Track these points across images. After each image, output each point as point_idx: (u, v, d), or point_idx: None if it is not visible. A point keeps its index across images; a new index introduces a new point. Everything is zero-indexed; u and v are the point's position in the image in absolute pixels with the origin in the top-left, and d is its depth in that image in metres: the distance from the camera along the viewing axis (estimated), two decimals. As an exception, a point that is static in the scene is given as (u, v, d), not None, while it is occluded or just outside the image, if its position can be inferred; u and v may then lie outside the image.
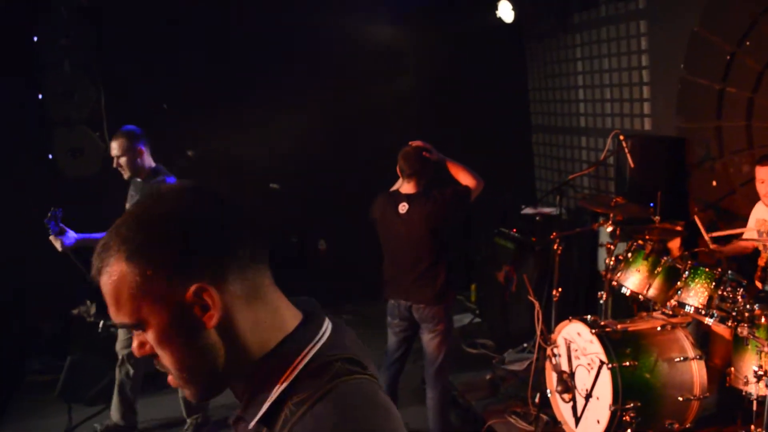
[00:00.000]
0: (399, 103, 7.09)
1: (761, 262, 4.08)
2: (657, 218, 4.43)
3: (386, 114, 7.03)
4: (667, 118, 5.64)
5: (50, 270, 5.47)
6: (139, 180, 4.25)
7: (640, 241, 3.97)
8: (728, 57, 4.92)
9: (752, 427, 3.55)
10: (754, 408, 3.56)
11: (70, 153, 5.13)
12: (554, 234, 4.23)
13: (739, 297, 3.47)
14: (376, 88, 6.96)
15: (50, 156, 5.18)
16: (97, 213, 5.78)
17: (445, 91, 7.15)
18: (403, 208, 3.96)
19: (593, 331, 3.70)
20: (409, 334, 4.13)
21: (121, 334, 4.26)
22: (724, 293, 3.51)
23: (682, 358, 3.71)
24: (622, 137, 4.36)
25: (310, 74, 6.62)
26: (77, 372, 4.64)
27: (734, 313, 3.47)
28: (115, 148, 4.13)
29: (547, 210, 5.74)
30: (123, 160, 4.12)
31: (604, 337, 3.68)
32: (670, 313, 3.95)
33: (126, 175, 4.20)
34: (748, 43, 4.77)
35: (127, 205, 4.29)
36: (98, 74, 5.32)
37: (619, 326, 3.83)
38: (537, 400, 4.12)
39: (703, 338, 4.34)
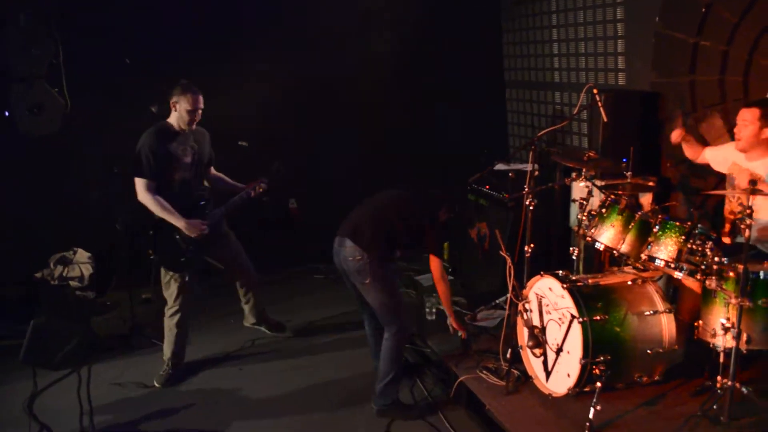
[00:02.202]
0: (374, 61, 6.95)
1: (727, 214, 4.08)
2: (629, 173, 4.41)
3: (361, 73, 6.90)
4: (642, 73, 5.58)
5: (11, 234, 5.35)
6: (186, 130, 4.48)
7: (614, 196, 3.93)
8: (704, 9, 4.85)
9: (719, 378, 3.59)
10: (721, 360, 3.60)
11: (28, 110, 4.94)
12: (526, 189, 4.17)
13: (707, 250, 3.47)
14: (350, 47, 6.82)
15: (6, 113, 4.99)
16: (61, 171, 5.72)
17: (420, 48, 7.03)
18: None
19: (565, 285, 3.69)
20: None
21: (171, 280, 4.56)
22: (693, 247, 3.51)
23: (651, 312, 3.72)
24: (596, 91, 4.28)
25: (282, 32, 6.46)
26: (41, 336, 4.52)
27: (703, 267, 3.47)
28: (202, 101, 4.42)
29: (520, 166, 5.68)
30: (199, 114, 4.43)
31: (575, 292, 3.67)
32: (641, 267, 3.96)
33: (193, 126, 4.47)
34: (724, -7, 4.70)
35: (187, 153, 4.50)
36: (56, 28, 5.11)
37: (590, 281, 3.83)
38: (508, 355, 4.12)
39: (675, 292, 4.37)
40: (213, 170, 4.84)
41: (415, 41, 6.98)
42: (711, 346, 3.67)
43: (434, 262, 4.21)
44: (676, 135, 4.49)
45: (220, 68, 5.99)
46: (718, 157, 4.38)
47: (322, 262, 6.42)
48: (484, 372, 4.19)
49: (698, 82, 5.03)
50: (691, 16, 4.95)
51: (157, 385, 4.59)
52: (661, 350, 3.71)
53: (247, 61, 6.26)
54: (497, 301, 4.98)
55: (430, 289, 5.59)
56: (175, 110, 4.39)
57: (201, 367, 4.86)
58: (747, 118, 3.96)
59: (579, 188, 4.58)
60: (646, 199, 4.86)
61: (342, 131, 6.81)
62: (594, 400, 3.56)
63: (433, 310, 5.07)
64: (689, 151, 4.57)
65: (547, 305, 3.89)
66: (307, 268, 6.71)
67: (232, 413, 4.28)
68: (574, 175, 4.34)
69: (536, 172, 5.50)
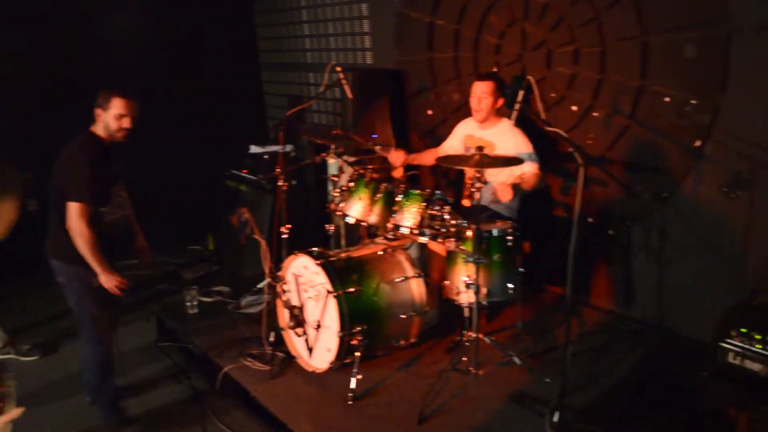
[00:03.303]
0: (117, 45, 6.43)
1: (467, 180, 4.37)
2: (379, 147, 4.54)
3: (103, 57, 6.35)
4: (387, 52, 5.79)
5: None
6: None
7: (360, 170, 4.01)
8: (436, -11, 5.12)
9: (464, 332, 3.84)
10: (467, 315, 3.86)
11: None
12: (277, 170, 4.12)
13: (446, 215, 3.66)
14: (91, 29, 6.24)
15: None
16: None
17: (168, 32, 6.65)
18: None
19: (318, 262, 3.70)
20: None
21: None
22: (434, 212, 3.68)
23: (402, 278, 3.87)
24: (339, 69, 4.35)
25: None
26: None
27: (443, 230, 3.66)
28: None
29: (275, 148, 5.63)
30: None
31: (328, 267, 3.69)
32: (393, 237, 4.10)
33: None
34: (452, -24, 5.00)
35: None
36: None
37: (342, 255, 3.88)
38: (272, 339, 4.06)
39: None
40: None
41: (167, 25, 6.59)
42: (457, 303, 3.92)
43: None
44: (396, 159, 4.63)
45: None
46: (454, 142, 4.66)
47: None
48: (249, 359, 4.09)
49: (436, 59, 5.33)
50: (425, -4, 5.21)
51: None
52: (413, 313, 3.87)
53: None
54: (259, 286, 4.89)
55: (190, 282, 5.38)
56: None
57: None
58: (485, 91, 4.23)
59: (333, 166, 4.64)
60: (398, 172, 5.05)
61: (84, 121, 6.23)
62: (355, 369, 3.64)
63: (194, 303, 4.85)
64: (427, 160, 4.80)
65: (304, 284, 3.88)
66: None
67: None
68: (323, 153, 4.37)
69: (293, 153, 5.53)
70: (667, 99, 3.92)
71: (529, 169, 4.15)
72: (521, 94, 3.42)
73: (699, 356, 3.46)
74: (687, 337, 4.12)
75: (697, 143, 3.84)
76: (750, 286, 3.71)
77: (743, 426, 3.01)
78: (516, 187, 4.04)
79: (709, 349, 3.41)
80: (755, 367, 3.19)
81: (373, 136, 4.59)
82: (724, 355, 3.29)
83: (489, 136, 4.37)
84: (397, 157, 4.61)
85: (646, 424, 3.30)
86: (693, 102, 3.81)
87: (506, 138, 4.24)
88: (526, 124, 4.37)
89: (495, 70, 4.78)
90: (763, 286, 3.61)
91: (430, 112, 5.49)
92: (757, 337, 3.18)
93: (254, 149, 5.52)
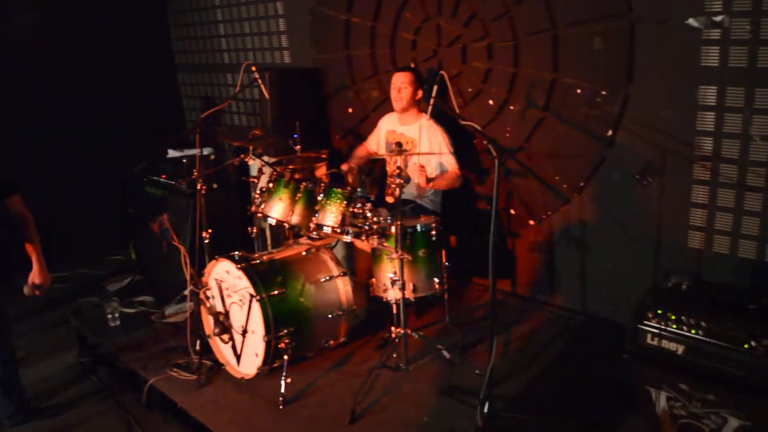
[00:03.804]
0: (19, 47, 6.12)
1: (389, 177, 4.37)
2: (299, 147, 4.48)
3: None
4: (304, 50, 5.73)
5: None
6: None
7: (279, 170, 3.95)
8: (350, -13, 5.10)
9: (392, 328, 3.84)
10: (395, 311, 3.86)
11: None
12: (195, 173, 4.01)
13: (368, 212, 3.65)
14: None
15: None
16: None
17: (76, 35, 6.36)
18: None
19: (239, 266, 3.63)
20: None
21: None
22: (355, 210, 3.67)
23: (327, 278, 3.83)
24: (254, 69, 4.27)
25: None
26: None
27: (366, 228, 3.65)
28: None
29: (193, 151, 5.48)
30: None
31: (250, 270, 3.62)
32: (317, 236, 4.06)
33: None
34: (366, -27, 4.99)
35: None
36: None
37: (265, 257, 3.82)
38: (198, 347, 3.96)
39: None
40: None
41: (72, 29, 6.31)
42: (384, 300, 3.92)
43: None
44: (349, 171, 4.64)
45: None
46: (375, 138, 4.67)
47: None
48: (175, 370, 3.97)
49: (353, 57, 5.31)
50: (340, -6, 5.19)
51: None
52: (341, 312, 3.85)
53: None
54: (182, 294, 4.76)
55: (111, 293, 5.20)
56: None
57: None
58: (404, 81, 4.29)
59: (254, 167, 4.56)
60: (321, 171, 5.02)
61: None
62: (284, 373, 3.59)
63: (116, 315, 4.68)
64: (362, 152, 4.81)
65: (227, 289, 3.80)
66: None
67: None
68: (242, 155, 4.28)
69: (212, 156, 5.41)
70: (578, 90, 4.03)
71: (448, 168, 4.21)
72: (435, 88, 3.45)
73: (621, 339, 3.57)
74: (609, 320, 4.25)
75: (609, 133, 3.96)
76: (664, 269, 3.86)
77: (663, 405, 3.13)
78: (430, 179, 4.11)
79: (628, 331, 3.52)
80: (672, 346, 3.32)
81: (294, 136, 4.52)
82: (643, 336, 3.41)
83: (410, 132, 4.40)
84: (348, 170, 4.59)
85: (572, 408, 3.38)
86: (603, 93, 3.93)
87: (427, 135, 4.28)
88: (446, 118, 4.41)
89: (412, 66, 4.80)
90: (676, 267, 3.76)
91: (350, 110, 5.47)
92: (672, 317, 3.30)
93: (172, 153, 5.36)
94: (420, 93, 4.35)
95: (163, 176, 5.33)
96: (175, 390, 3.83)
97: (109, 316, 4.68)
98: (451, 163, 4.26)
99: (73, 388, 4.27)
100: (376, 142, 4.72)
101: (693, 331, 3.22)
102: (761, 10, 3.24)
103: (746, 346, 3.06)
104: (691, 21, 3.47)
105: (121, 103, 6.52)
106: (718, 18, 3.38)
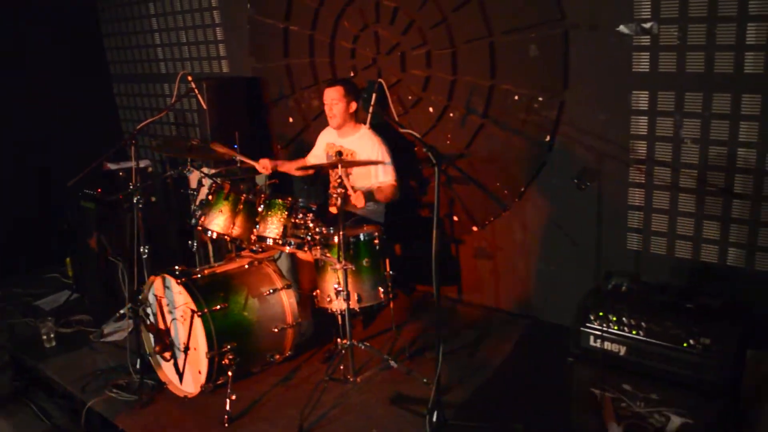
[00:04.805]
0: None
1: (331, 188, 4.34)
2: (239, 158, 4.42)
3: None
4: (243, 59, 5.65)
5: None
6: None
7: (219, 182, 3.87)
8: (287, -5, 5.06)
9: (337, 339, 3.80)
10: (340, 322, 3.83)
11: None
12: (131, 187, 3.90)
13: (309, 222, 3.61)
14: None
15: None
16: None
17: (6, 46, 6.12)
18: None
19: (179, 281, 3.53)
20: None
21: None
22: (297, 221, 3.62)
23: (271, 291, 3.77)
24: (190, 78, 4.18)
25: None
26: None
27: (308, 239, 3.61)
28: None
29: (130, 164, 5.33)
30: None
31: (191, 285, 3.53)
32: (260, 249, 3.99)
33: None
34: (302, -19, 4.95)
35: None
36: None
37: (206, 271, 3.73)
38: (138, 366, 3.84)
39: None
40: None
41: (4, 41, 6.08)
42: (329, 311, 3.88)
43: None
44: (265, 168, 4.55)
45: None
46: (317, 151, 4.63)
47: None
48: (114, 390, 3.84)
49: (293, 65, 5.26)
50: (278, 2, 5.13)
51: None
52: (286, 326, 3.78)
53: None
54: (121, 312, 4.62)
55: (45, 313, 5.02)
56: None
57: None
58: (335, 97, 4.24)
59: (193, 179, 4.46)
60: (263, 182, 4.94)
61: None
62: (228, 390, 3.51)
63: (51, 336, 4.50)
64: (293, 168, 4.74)
65: (168, 305, 3.69)
66: None
67: None
68: (180, 167, 4.18)
69: (149, 168, 5.28)
70: (516, 97, 4.07)
71: (385, 180, 4.20)
72: (374, 97, 3.44)
73: (566, 342, 3.62)
74: (554, 323, 4.30)
75: (547, 138, 4.02)
76: (605, 271, 3.93)
77: (608, 405, 3.17)
78: (369, 194, 4.07)
79: (571, 334, 3.57)
80: (614, 347, 3.38)
81: (234, 146, 4.45)
82: (586, 339, 3.47)
83: (349, 144, 4.37)
84: (264, 166, 4.51)
85: (520, 413, 3.40)
86: (540, 99, 3.98)
87: (366, 146, 4.26)
88: (387, 127, 4.40)
89: (351, 75, 4.78)
90: (616, 269, 3.83)
91: (291, 119, 5.41)
92: (613, 318, 3.37)
93: (110, 166, 5.20)
94: (354, 105, 4.30)
95: (99, 190, 5.16)
96: (116, 411, 3.70)
97: (44, 336, 4.50)
98: (389, 173, 4.24)
99: (6, 416, 4.10)
100: (316, 156, 4.67)
101: (634, 332, 3.29)
102: (688, 16, 3.34)
103: (685, 344, 3.14)
104: (622, 28, 3.56)
105: (55, 115, 6.31)
106: (647, 25, 3.47)
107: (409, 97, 4.57)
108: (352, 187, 3.96)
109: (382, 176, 4.22)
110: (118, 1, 6.65)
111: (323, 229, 3.65)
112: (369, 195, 4.09)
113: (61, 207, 5.70)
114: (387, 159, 4.23)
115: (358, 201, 3.91)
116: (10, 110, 6.08)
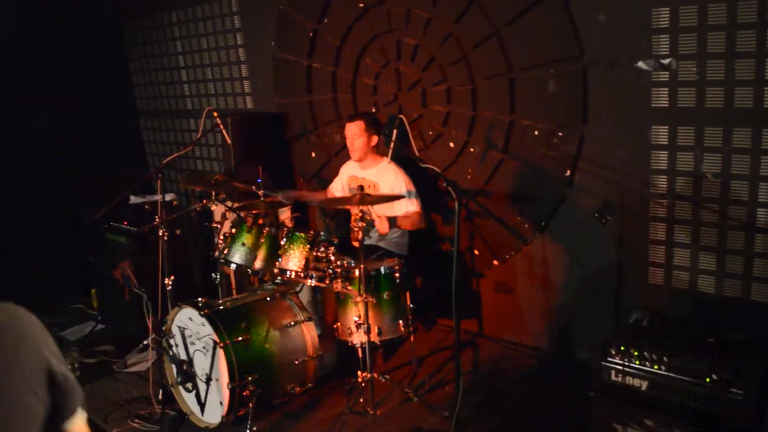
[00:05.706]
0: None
1: (353, 221, 4.39)
2: (261, 192, 4.48)
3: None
4: (266, 95, 5.77)
5: None
6: None
7: (242, 215, 3.94)
8: (311, 34, 5.18)
9: (359, 372, 3.81)
10: (360, 355, 3.84)
11: None
12: (157, 220, 3.97)
13: (331, 255, 3.65)
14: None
15: None
16: None
17: (36, 81, 6.31)
18: None
19: (202, 312, 3.58)
20: None
21: None
22: (318, 254, 3.67)
23: (292, 323, 3.80)
24: (215, 114, 4.28)
25: None
26: None
27: (329, 271, 3.65)
28: None
29: (156, 197, 5.44)
30: None
31: (213, 317, 3.58)
32: (281, 282, 4.03)
33: None
34: (326, 20, 5.07)
35: None
36: None
37: (228, 303, 3.78)
38: (161, 396, 3.88)
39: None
40: None
41: (28, 71, 6.27)
42: (350, 344, 3.90)
43: None
44: (288, 198, 4.71)
45: None
46: (339, 183, 4.71)
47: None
48: (137, 421, 3.87)
49: (315, 101, 5.36)
50: (301, 40, 5.26)
51: None
52: (307, 358, 3.80)
53: None
54: (144, 342, 4.67)
55: (70, 343, 5.09)
56: None
57: None
58: (356, 131, 4.33)
59: (217, 213, 4.54)
60: (286, 215, 5.01)
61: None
62: (249, 422, 3.53)
63: (75, 366, 4.57)
64: (316, 199, 4.85)
65: (191, 336, 3.74)
66: None
67: None
68: (204, 200, 4.26)
69: (174, 202, 5.37)
70: (536, 132, 4.12)
71: (410, 209, 4.24)
72: (395, 132, 3.50)
73: (587, 376, 3.59)
74: (575, 358, 4.27)
75: (567, 173, 4.04)
76: (626, 305, 3.91)
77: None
78: (392, 220, 4.12)
79: (593, 368, 3.55)
80: (636, 382, 3.34)
81: (258, 180, 4.52)
82: (607, 373, 3.43)
83: (371, 176, 4.43)
84: (287, 196, 4.59)
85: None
86: (560, 134, 4.02)
87: (388, 178, 4.32)
88: (409, 161, 4.46)
89: (373, 110, 4.87)
90: (636, 304, 3.81)
91: (313, 154, 5.50)
92: (635, 353, 3.34)
93: (134, 199, 5.31)
94: (375, 138, 4.39)
95: (125, 222, 5.27)
96: (138, 442, 3.73)
97: (69, 366, 4.55)
98: (413, 203, 4.29)
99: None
100: (339, 188, 4.74)
101: (656, 367, 3.26)
102: (706, 53, 3.38)
103: (708, 379, 3.11)
104: (641, 64, 3.60)
105: (82, 149, 6.46)
106: (666, 61, 3.51)
107: (430, 133, 4.64)
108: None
109: (407, 206, 4.27)
110: (147, 39, 6.85)
111: (344, 262, 3.69)
112: (392, 221, 4.14)
113: (87, 239, 5.82)
114: (411, 188, 4.28)
115: (382, 227, 3.96)
116: (40, 143, 6.23)
